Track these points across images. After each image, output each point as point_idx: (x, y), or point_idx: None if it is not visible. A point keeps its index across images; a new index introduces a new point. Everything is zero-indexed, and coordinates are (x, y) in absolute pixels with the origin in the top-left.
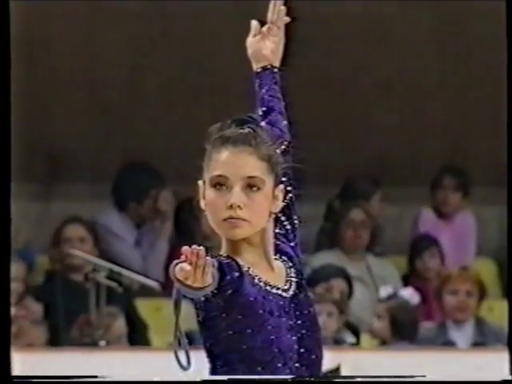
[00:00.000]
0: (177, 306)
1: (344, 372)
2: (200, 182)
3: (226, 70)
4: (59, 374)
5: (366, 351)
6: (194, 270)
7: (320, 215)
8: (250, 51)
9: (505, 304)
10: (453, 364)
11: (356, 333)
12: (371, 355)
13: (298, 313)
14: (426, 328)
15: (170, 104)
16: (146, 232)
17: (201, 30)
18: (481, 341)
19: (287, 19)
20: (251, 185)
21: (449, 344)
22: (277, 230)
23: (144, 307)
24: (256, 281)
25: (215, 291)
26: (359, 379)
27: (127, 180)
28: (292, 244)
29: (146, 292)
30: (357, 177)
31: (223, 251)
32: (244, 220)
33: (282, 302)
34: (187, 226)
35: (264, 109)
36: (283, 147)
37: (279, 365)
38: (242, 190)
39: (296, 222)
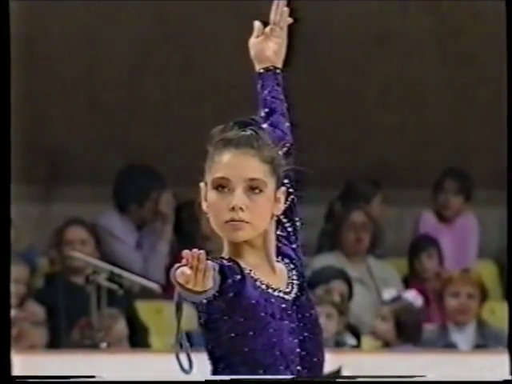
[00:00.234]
0: (178, 309)
1: (345, 374)
2: (202, 184)
3: (227, 71)
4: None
5: (366, 353)
6: (195, 273)
7: (321, 217)
8: (252, 52)
9: (506, 306)
10: (454, 366)
11: (357, 335)
12: (372, 357)
13: (299, 315)
14: (427, 330)
15: (170, 106)
16: (146, 234)
17: (201, 31)
18: (482, 343)
19: (290, 20)
20: (253, 187)
21: (450, 346)
22: (278, 232)
23: (145, 309)
24: (258, 283)
25: (217, 294)
26: (360, 379)
27: (128, 182)
28: (294, 246)
29: (147, 294)
30: (358, 179)
31: (225, 253)
32: (246, 222)
33: (283, 305)
34: (188, 228)
35: (266, 110)
36: (285, 149)
37: (281, 367)
38: (244, 192)
39: (298, 224)
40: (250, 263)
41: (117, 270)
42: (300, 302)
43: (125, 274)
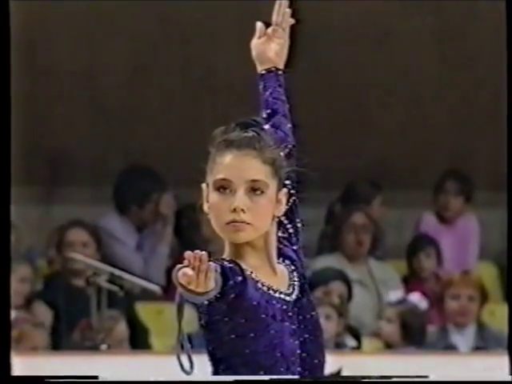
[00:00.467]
0: (180, 310)
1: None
2: (203, 185)
3: (228, 72)
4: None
5: (367, 355)
6: (197, 274)
7: (321, 219)
8: (254, 53)
9: (506, 308)
10: (454, 367)
11: (357, 336)
12: (372, 359)
13: (300, 317)
14: (428, 332)
15: (171, 107)
16: (147, 236)
17: (202, 32)
18: (482, 345)
19: (292, 21)
20: (255, 188)
21: (450, 348)
22: (280, 234)
23: (145, 311)
24: (259, 285)
25: (218, 295)
26: (361, 380)
27: (128, 184)
28: (295, 247)
29: (147, 296)
30: (358, 181)
31: (226, 255)
32: (247, 223)
33: (284, 307)
34: (188, 230)
35: (268, 111)
36: (287, 150)
37: (282, 369)
38: (246, 194)
39: (299, 225)
40: (251, 264)
41: (117, 272)
42: (301, 303)
43: (125, 275)
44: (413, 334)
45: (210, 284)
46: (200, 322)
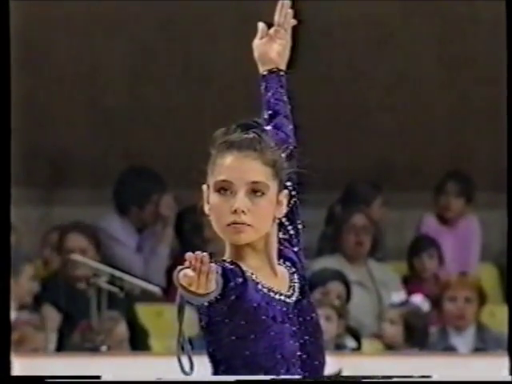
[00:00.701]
0: (180, 311)
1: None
2: (204, 187)
3: (228, 74)
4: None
5: (367, 356)
6: (198, 276)
7: (321, 220)
8: (256, 54)
9: (506, 309)
10: (454, 369)
11: (357, 338)
12: (372, 360)
13: (300, 319)
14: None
15: (171, 109)
16: (147, 237)
17: (202, 35)
18: (482, 347)
19: (294, 22)
20: (255, 190)
21: (450, 349)
22: (280, 235)
23: (145, 312)
24: (259, 286)
25: (219, 297)
26: (363, 380)
27: (129, 185)
28: (295, 249)
29: (148, 297)
30: (358, 182)
31: (227, 256)
32: (248, 225)
33: (285, 308)
34: (190, 231)
35: (270, 112)
36: (288, 151)
37: (282, 371)
38: (246, 195)
39: (299, 226)
40: (252, 266)
41: (117, 273)
42: (301, 305)
43: (125, 276)
44: (415, 335)
45: (211, 285)
46: (200, 324)
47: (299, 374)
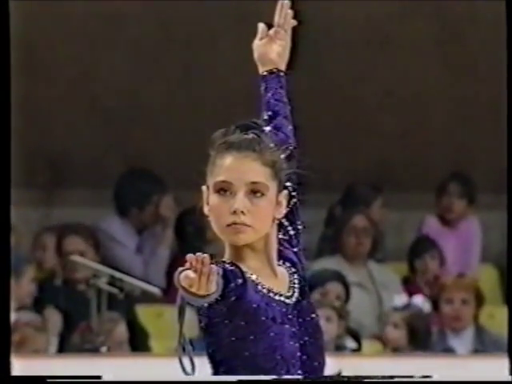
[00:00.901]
0: (181, 312)
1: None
2: (204, 188)
3: (228, 75)
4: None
5: (367, 357)
6: (199, 277)
7: (321, 221)
8: (256, 54)
9: (506, 310)
10: (453, 370)
11: (357, 339)
12: (372, 361)
13: (300, 320)
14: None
15: (171, 110)
16: (147, 238)
17: (202, 36)
18: (481, 348)
19: (294, 22)
20: (255, 190)
21: (448, 351)
22: (280, 236)
23: (145, 313)
24: (259, 287)
25: (219, 298)
26: (363, 380)
27: (129, 186)
28: (295, 250)
29: (147, 298)
30: (358, 183)
31: (226, 257)
32: (247, 226)
33: (284, 309)
34: (189, 232)
35: (269, 113)
36: (288, 152)
37: (282, 372)
38: (246, 196)
39: (299, 227)
40: (252, 267)
41: (117, 274)
42: (301, 306)
43: (125, 277)
44: (419, 337)
45: (212, 287)
46: (200, 325)
47: (299, 375)
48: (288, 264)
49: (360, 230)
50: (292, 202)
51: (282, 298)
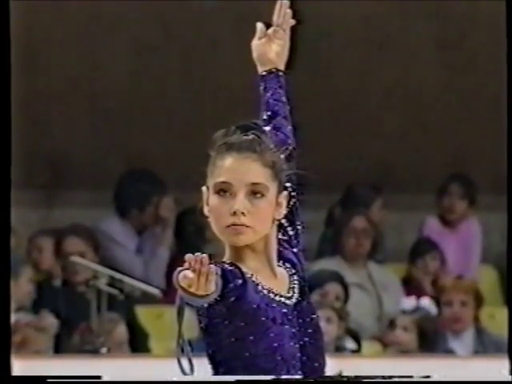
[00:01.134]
0: (180, 313)
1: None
2: (204, 188)
3: (227, 76)
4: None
5: (366, 358)
6: (198, 277)
7: (321, 222)
8: (255, 54)
9: (506, 311)
10: (453, 371)
11: (357, 340)
12: (372, 362)
13: (300, 320)
14: None
15: (171, 111)
16: (147, 239)
17: (201, 36)
18: (481, 350)
19: (293, 22)
20: (255, 191)
21: (448, 353)
22: (280, 236)
23: (145, 314)
24: (259, 288)
25: (218, 298)
26: (363, 380)
27: (129, 187)
28: (295, 250)
29: (147, 299)
30: (358, 184)
31: (226, 258)
32: (247, 226)
33: (284, 310)
34: (188, 233)
35: (269, 113)
36: (288, 152)
37: (282, 372)
38: (246, 197)
39: (299, 227)
40: (252, 267)
41: (117, 275)
42: (301, 306)
43: (125, 278)
44: (428, 339)
45: (211, 287)
46: (200, 325)
47: (299, 376)
48: (288, 265)
49: (360, 231)
50: (292, 203)
51: (282, 299)
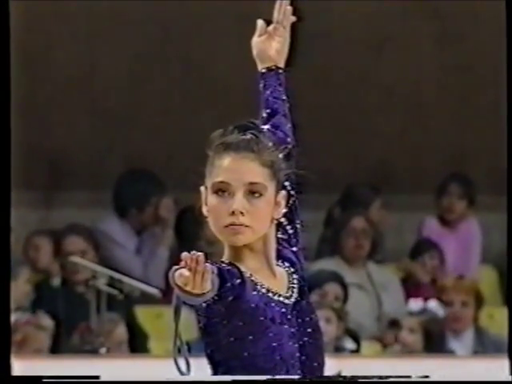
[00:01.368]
0: (176, 312)
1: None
2: (202, 188)
3: (227, 76)
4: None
5: (366, 358)
6: (194, 275)
7: (320, 222)
8: (255, 51)
9: (506, 311)
10: (453, 371)
11: (356, 340)
12: (371, 362)
13: (299, 320)
14: None
15: (170, 111)
16: (146, 239)
17: (201, 36)
18: (481, 350)
19: (293, 19)
20: (253, 191)
21: (448, 353)
22: (279, 235)
23: (144, 314)
24: (258, 287)
25: (216, 297)
26: (361, 380)
27: (128, 187)
28: (294, 249)
29: (147, 299)
30: (357, 184)
31: (225, 257)
32: (246, 226)
33: (283, 309)
34: (188, 233)
35: (268, 111)
36: (287, 151)
37: (281, 372)
38: (244, 197)
39: (298, 226)
40: (250, 267)
41: (116, 275)
42: (300, 306)
43: (124, 278)
44: (434, 341)
45: (207, 285)
46: (199, 325)
47: (298, 376)
48: (287, 264)
49: (359, 232)
50: (291, 202)
51: (281, 299)
